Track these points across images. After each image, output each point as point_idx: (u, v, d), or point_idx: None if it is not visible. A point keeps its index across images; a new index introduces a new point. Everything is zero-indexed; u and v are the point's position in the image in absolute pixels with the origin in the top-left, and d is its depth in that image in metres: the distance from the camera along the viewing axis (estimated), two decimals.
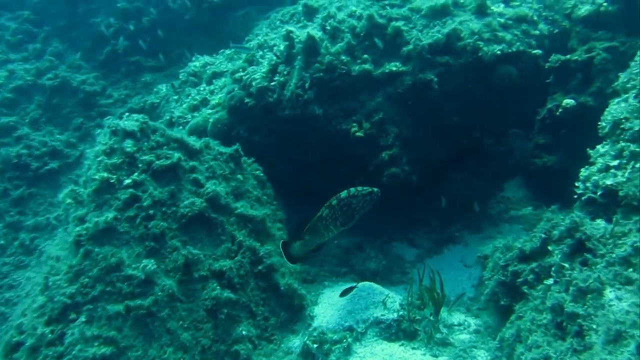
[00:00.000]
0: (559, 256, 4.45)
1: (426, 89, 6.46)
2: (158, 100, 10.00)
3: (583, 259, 4.27)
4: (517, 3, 7.13)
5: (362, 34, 6.80)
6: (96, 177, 5.51)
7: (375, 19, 6.78)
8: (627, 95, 6.03)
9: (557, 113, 7.22)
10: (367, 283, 5.96)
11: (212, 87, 8.65)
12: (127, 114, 6.19)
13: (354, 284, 5.79)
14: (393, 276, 6.68)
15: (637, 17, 7.00)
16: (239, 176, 6.44)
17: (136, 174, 5.65)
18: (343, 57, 6.65)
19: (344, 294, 5.59)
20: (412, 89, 6.50)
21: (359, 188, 4.92)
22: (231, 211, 5.96)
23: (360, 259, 6.73)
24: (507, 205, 7.54)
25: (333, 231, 5.08)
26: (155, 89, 10.53)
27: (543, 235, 4.82)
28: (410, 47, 6.54)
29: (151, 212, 5.50)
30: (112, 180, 5.51)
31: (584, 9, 7.67)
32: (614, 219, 4.54)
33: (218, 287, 5.38)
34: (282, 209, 6.85)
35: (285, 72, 6.90)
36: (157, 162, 5.76)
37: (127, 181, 5.60)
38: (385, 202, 5.44)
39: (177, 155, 5.87)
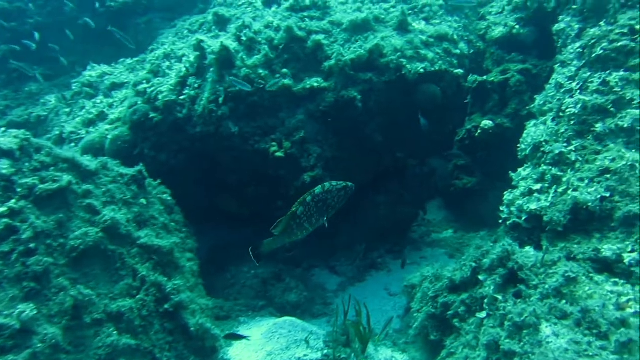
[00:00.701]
0: (492, 287, 4.30)
1: (349, 107, 6.21)
2: (46, 113, 8.86)
3: (516, 291, 4.15)
4: (437, 21, 7.16)
5: (280, 47, 6.43)
6: None
7: (295, 32, 6.44)
8: (544, 117, 6.19)
9: (476, 134, 7.32)
10: (288, 319, 5.53)
11: (110, 99, 7.81)
12: (3, 128, 5.29)
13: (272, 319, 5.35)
14: (315, 308, 6.29)
15: (547, 41, 7.28)
16: (143, 201, 5.75)
17: (14, 200, 4.80)
18: (261, 71, 6.23)
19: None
20: (335, 107, 6.22)
21: (333, 183, 4.66)
22: (133, 241, 5.27)
23: (280, 291, 6.27)
24: (429, 228, 7.49)
25: (308, 229, 4.72)
26: (42, 100, 9.35)
27: (473, 264, 4.67)
28: (332, 62, 6.27)
29: (32, 245, 4.66)
30: None
31: (497, 31, 7.92)
32: (544, 247, 4.51)
33: (115, 332, 4.67)
34: (193, 236, 6.24)
35: (196, 85, 6.33)
36: (41, 185, 4.94)
37: (2, 209, 4.75)
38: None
39: (67, 177, 5.08)
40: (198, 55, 6.42)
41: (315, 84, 6.25)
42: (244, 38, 6.45)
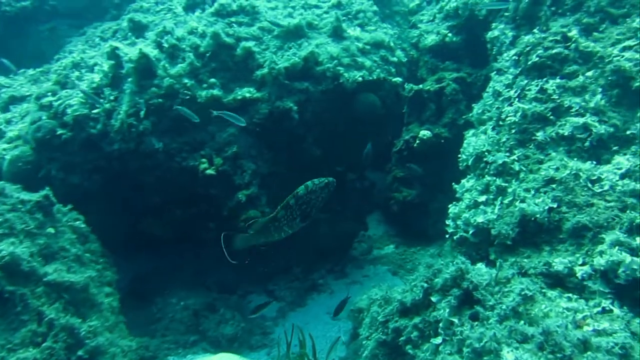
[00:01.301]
0: (446, 310, 4.06)
1: (285, 119, 5.86)
2: None
3: (473, 312, 3.93)
4: (372, 27, 6.99)
5: (207, 55, 5.97)
6: None
7: (222, 38, 6.01)
8: (484, 127, 6.15)
9: (415, 145, 7.20)
10: (223, 355, 5.03)
11: (8, 114, 6.93)
12: None
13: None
14: (253, 339, 5.82)
15: (480, 48, 7.32)
16: (50, 230, 5.08)
17: None
18: (186, 81, 5.74)
19: None
20: (270, 119, 5.84)
21: (315, 181, 4.55)
22: (38, 279, 4.62)
23: (214, 323, 5.74)
24: (370, 244, 7.24)
25: (287, 232, 4.60)
26: None
27: (424, 285, 4.41)
28: (265, 70, 5.90)
29: None
30: None
31: (430, 39, 7.89)
32: (497, 264, 4.35)
33: None
34: (112, 267, 5.60)
35: (111, 97, 5.73)
36: None
37: None
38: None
39: None
40: (113, 64, 5.82)
41: (247, 95, 5.84)
42: (165, 45, 5.92)
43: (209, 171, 5.60)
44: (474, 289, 4.09)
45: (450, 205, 5.60)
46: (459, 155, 6.21)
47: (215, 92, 5.78)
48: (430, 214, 7.23)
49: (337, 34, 6.48)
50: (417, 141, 7.09)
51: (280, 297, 6.47)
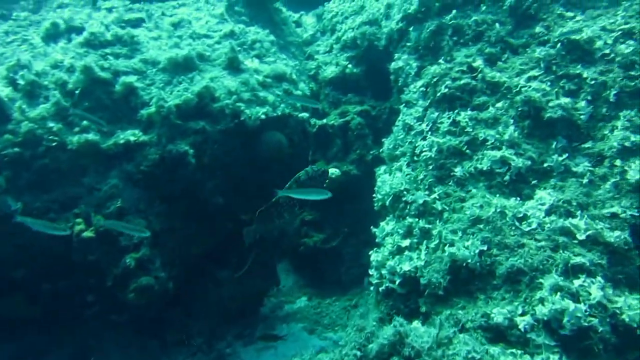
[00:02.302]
0: None
1: (180, 164, 5.10)
2: None
3: None
4: (271, 59, 6.49)
5: (77, 92, 5.04)
6: None
7: (96, 72, 5.14)
8: (398, 163, 5.86)
9: (324, 185, 6.76)
10: None
11: None
12: None
13: None
14: None
15: (381, 79, 7.15)
16: None
17: None
18: (52, 124, 4.77)
19: None
20: (161, 165, 5.05)
21: (315, 168, 5.01)
22: None
23: None
24: (280, 299, 6.58)
25: (285, 219, 4.95)
26: None
27: (357, 354, 3.90)
28: (153, 109, 5.11)
29: None
30: None
31: (330, 71, 7.58)
32: (437, 322, 3.95)
33: None
34: None
35: None
36: None
37: None
38: (129, 323, 3.91)
39: None
40: None
41: (132, 138, 5.00)
42: (21, 82, 4.90)
43: (86, 234, 4.64)
44: (417, 355, 3.64)
45: (371, 252, 5.18)
46: (373, 195, 5.87)
47: (91, 136, 4.87)
48: (343, 259, 6.78)
49: (233, 66, 5.87)
50: (326, 180, 6.66)
51: None
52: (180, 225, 5.25)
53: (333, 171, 6.65)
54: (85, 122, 4.87)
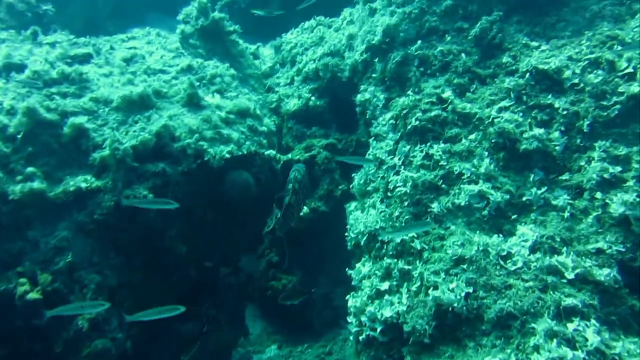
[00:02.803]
0: None
1: (138, 210, 4.67)
2: None
3: None
4: (233, 93, 6.21)
5: (19, 136, 4.59)
6: None
7: (40, 114, 4.72)
8: (371, 199, 5.62)
9: (292, 223, 6.44)
10: None
11: None
12: None
13: None
14: None
15: (346, 111, 7.00)
16: None
17: None
18: None
19: None
20: (117, 213, 4.61)
21: (300, 165, 5.18)
22: None
23: None
24: (248, 349, 6.13)
25: (296, 218, 5.09)
26: None
27: None
28: (106, 152, 4.71)
29: None
30: None
31: (292, 104, 7.36)
32: None
33: None
34: None
35: None
36: None
37: None
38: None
39: None
40: None
41: (84, 184, 4.57)
42: None
43: (31, 295, 4.14)
44: None
45: (348, 297, 4.88)
46: (346, 234, 5.61)
47: (36, 184, 4.41)
48: (314, 302, 6.43)
49: (193, 103, 5.55)
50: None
51: None
52: (140, 278, 4.80)
53: None
54: (29, 169, 4.41)
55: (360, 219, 5.45)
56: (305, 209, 6.32)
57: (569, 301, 3.72)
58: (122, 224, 4.65)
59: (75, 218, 4.54)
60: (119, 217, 4.62)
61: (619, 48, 5.00)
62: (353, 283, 5.03)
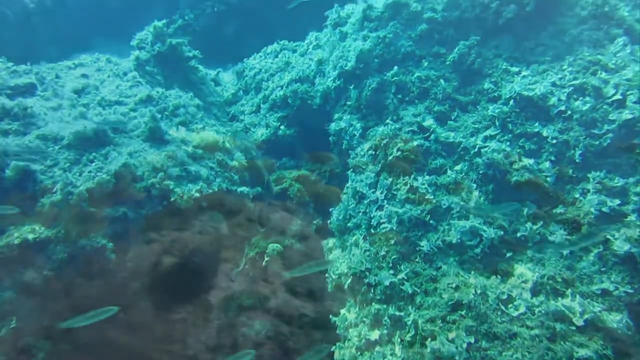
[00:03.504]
0: None
1: (97, 262, 4.13)
2: None
3: None
4: (199, 125, 5.76)
5: None
6: None
7: None
8: (352, 237, 5.27)
9: (263, 263, 6.00)
10: None
11: None
12: None
13: None
14: None
15: (317, 141, 6.68)
16: None
17: None
18: None
19: None
20: (72, 266, 4.06)
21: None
22: None
23: None
24: None
25: None
26: None
27: None
28: (58, 197, 4.17)
29: None
30: None
31: (260, 133, 6.96)
32: None
33: None
34: None
35: None
36: None
37: None
38: None
39: None
40: None
41: (31, 236, 4.00)
42: None
43: None
44: None
45: (334, 348, 4.48)
46: (326, 275, 5.21)
47: None
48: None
49: (156, 137, 5.08)
50: (266, 258, 5.91)
51: None
52: None
53: (273, 247, 5.90)
54: None
55: (341, 258, 5.08)
56: (276, 246, 5.90)
57: (582, 352, 3.44)
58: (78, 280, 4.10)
59: (19, 276, 3.95)
60: (74, 271, 4.08)
61: (603, 74, 4.89)
62: (338, 332, 4.64)
